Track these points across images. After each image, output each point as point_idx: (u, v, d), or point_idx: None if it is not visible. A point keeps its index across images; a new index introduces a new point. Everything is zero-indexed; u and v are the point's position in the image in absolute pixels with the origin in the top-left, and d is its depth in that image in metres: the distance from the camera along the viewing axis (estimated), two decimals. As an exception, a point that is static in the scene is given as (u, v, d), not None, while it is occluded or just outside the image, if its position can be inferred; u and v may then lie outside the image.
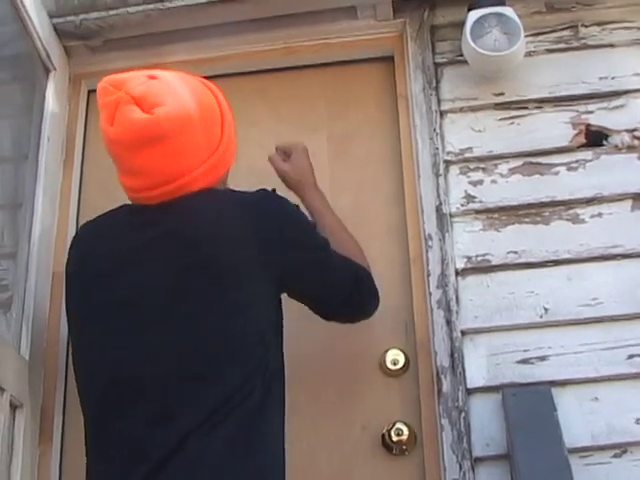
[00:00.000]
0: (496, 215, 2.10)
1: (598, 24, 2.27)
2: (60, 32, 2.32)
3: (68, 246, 1.77)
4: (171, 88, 1.58)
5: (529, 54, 2.22)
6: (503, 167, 2.15)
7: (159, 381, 1.46)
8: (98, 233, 1.70)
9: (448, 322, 2.00)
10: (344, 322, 1.84)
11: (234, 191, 1.69)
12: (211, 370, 1.47)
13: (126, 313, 1.54)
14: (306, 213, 1.83)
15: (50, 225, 2.20)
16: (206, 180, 1.61)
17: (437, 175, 2.14)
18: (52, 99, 2.25)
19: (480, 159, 2.16)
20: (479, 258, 2.07)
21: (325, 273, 1.69)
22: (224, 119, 1.67)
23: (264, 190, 1.67)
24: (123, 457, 1.43)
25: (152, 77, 1.60)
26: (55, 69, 2.28)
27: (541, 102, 2.21)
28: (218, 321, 1.49)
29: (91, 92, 2.42)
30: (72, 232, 2.21)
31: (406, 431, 1.98)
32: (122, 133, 1.55)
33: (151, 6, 2.28)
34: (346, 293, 1.72)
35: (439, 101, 2.23)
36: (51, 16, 2.27)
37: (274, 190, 1.70)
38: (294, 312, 1.83)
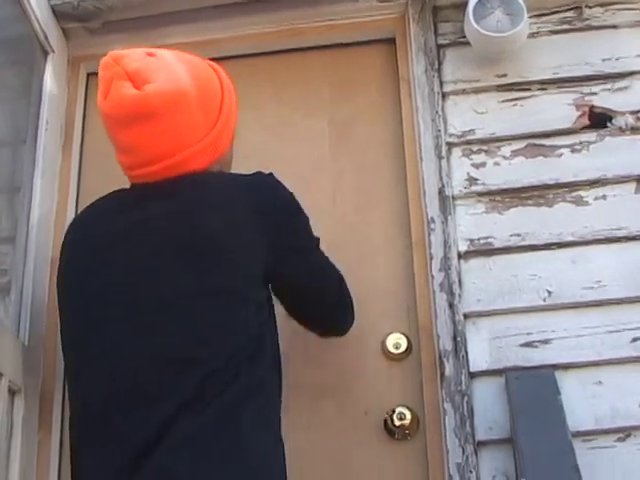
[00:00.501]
0: (499, 197, 2.09)
1: (601, 5, 2.25)
2: (58, 14, 2.29)
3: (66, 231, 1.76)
4: (167, 65, 1.57)
5: (532, 35, 2.20)
6: (506, 149, 2.13)
7: (156, 375, 1.44)
8: (94, 216, 1.69)
9: (450, 305, 1.99)
10: (318, 330, 1.83)
11: (231, 173, 1.68)
12: (208, 356, 1.45)
13: (122, 297, 1.52)
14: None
15: (49, 209, 2.18)
16: (204, 158, 1.60)
17: (439, 158, 2.12)
18: (51, 82, 2.23)
19: (483, 141, 2.15)
20: (482, 241, 2.05)
21: (313, 269, 1.68)
22: (224, 94, 1.66)
23: (261, 172, 1.66)
24: (123, 451, 1.41)
25: (151, 54, 1.60)
26: (54, 51, 2.26)
27: (544, 84, 2.19)
28: (215, 306, 1.48)
29: (90, 75, 2.39)
30: (71, 216, 2.20)
31: (408, 415, 1.97)
32: (113, 108, 1.55)
33: (150, -13, 2.26)
34: (331, 298, 1.73)
35: (441, 83, 2.21)
36: (49, -3, 2.25)
37: (271, 174, 1.69)
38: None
